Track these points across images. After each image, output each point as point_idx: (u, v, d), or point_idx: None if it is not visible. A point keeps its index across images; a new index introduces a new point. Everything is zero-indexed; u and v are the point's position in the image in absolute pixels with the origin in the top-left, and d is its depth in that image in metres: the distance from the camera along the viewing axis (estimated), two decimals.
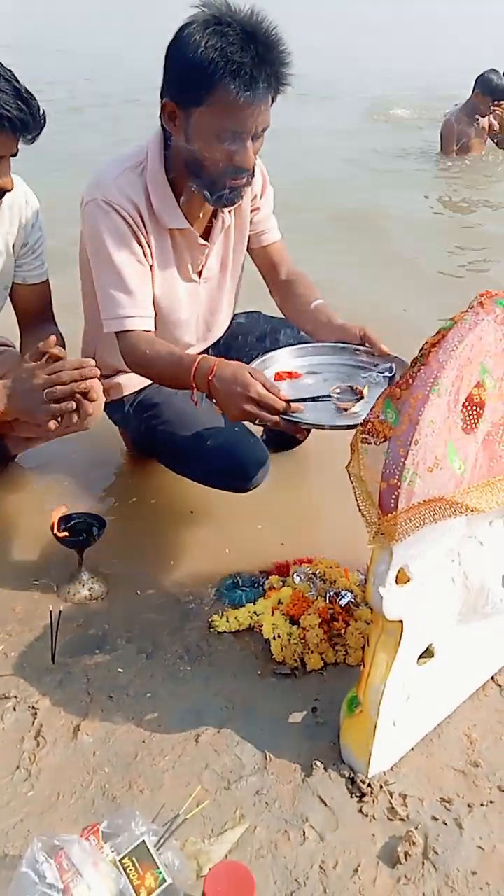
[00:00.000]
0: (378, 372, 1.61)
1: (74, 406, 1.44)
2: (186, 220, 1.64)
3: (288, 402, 1.42)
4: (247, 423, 1.58)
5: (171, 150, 1.57)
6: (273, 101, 1.47)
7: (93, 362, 1.45)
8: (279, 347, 1.72)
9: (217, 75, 1.38)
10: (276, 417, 1.42)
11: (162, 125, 1.55)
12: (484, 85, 5.52)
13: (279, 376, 1.64)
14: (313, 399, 1.49)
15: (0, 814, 1.21)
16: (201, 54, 1.37)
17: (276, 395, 1.42)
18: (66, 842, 1.05)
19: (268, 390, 1.41)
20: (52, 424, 1.46)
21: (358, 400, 1.51)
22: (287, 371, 1.66)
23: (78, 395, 1.44)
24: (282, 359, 1.69)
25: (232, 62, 1.36)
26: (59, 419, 1.46)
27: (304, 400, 1.47)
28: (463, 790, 1.28)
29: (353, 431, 1.16)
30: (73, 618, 1.59)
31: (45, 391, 1.42)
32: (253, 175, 1.58)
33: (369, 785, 1.26)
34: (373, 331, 1.67)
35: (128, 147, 1.64)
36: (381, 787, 1.26)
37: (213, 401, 1.49)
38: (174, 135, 1.53)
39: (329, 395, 1.51)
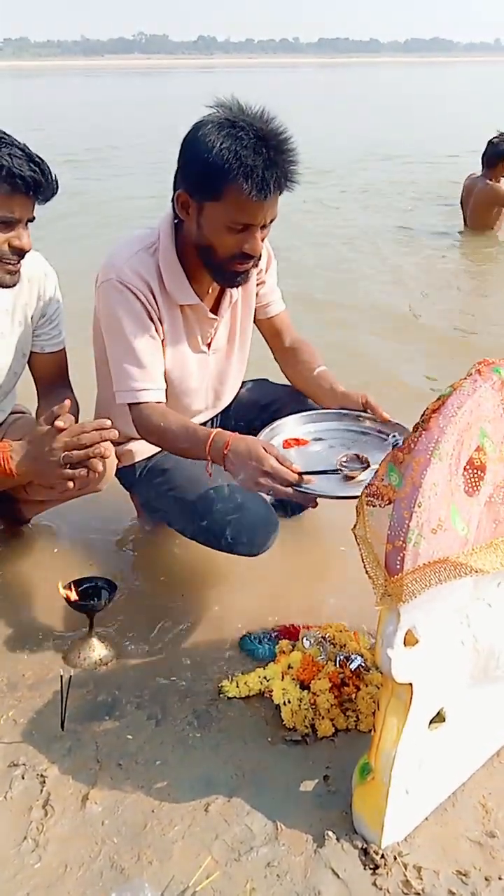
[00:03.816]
0: (392, 436, 1.67)
1: (86, 472, 1.50)
2: (197, 297, 1.72)
3: (300, 474, 1.48)
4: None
5: (183, 234, 1.67)
6: (280, 194, 1.57)
7: (110, 423, 1.53)
8: (286, 415, 1.77)
9: (231, 175, 1.47)
10: (288, 489, 1.48)
11: (174, 211, 1.65)
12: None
13: (287, 443, 1.69)
14: (323, 472, 1.54)
15: (7, 887, 1.19)
16: (216, 155, 1.47)
17: (289, 467, 1.48)
18: None
19: (280, 463, 1.48)
20: (65, 487, 1.51)
21: (364, 468, 1.55)
22: (295, 438, 1.72)
23: (91, 458, 1.50)
24: (289, 426, 1.75)
25: (245, 165, 1.46)
26: (73, 481, 1.51)
27: (314, 473, 1.52)
28: (479, 862, 1.24)
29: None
30: (82, 683, 1.59)
31: (63, 455, 1.48)
32: (260, 258, 1.67)
33: (383, 856, 1.23)
34: (374, 398, 1.73)
35: (139, 230, 1.74)
36: (395, 858, 1.24)
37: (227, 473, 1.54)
38: (186, 222, 1.63)
39: (339, 470, 1.56)
